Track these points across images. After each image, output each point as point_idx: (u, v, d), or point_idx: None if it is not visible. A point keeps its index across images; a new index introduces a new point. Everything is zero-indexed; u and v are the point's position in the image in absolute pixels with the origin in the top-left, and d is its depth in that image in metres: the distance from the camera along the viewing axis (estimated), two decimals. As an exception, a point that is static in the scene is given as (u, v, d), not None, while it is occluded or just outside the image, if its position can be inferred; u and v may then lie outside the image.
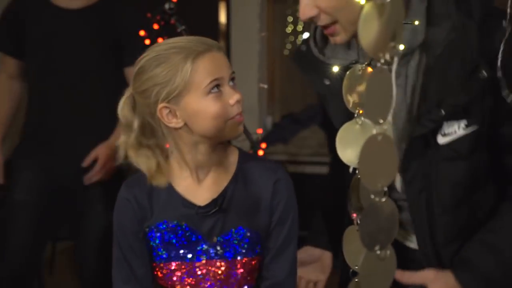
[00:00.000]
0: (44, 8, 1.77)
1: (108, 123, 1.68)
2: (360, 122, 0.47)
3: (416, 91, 0.96)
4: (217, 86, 0.98)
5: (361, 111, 0.49)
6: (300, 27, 4.37)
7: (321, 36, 1.04)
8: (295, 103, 4.30)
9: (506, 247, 0.98)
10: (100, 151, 1.75)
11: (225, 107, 0.97)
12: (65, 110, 1.77)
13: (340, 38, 0.91)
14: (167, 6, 1.54)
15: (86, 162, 1.75)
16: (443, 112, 0.90)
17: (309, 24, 1.04)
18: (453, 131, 0.93)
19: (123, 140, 1.05)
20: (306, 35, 1.24)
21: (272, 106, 4.51)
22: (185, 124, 0.99)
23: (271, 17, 4.32)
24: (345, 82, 0.48)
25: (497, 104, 0.93)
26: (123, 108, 1.05)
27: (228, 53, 4.22)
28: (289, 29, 4.41)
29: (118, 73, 1.80)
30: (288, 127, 3.91)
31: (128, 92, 1.05)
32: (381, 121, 0.42)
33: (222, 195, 1.04)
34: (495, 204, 1.03)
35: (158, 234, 1.06)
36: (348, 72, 0.47)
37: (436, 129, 0.94)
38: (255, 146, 1.52)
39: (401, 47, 0.42)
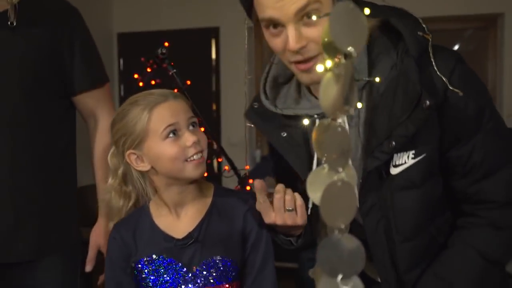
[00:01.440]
0: None
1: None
2: (326, 168, 0.55)
3: (367, 128, 1.03)
4: (174, 131, 1.10)
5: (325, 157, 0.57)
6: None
7: (271, 88, 1.13)
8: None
9: (455, 280, 1.02)
10: (101, 241, 1.51)
11: (181, 150, 1.10)
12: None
13: (317, 75, 0.98)
14: (159, 51, 1.63)
15: (91, 260, 1.50)
16: (393, 143, 0.97)
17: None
18: (404, 161, 1.00)
19: (110, 183, 1.19)
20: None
21: (261, 139, 4.59)
22: (152, 167, 1.11)
23: (259, 55, 4.44)
24: (313, 134, 0.56)
25: (442, 131, 1.00)
26: (112, 156, 1.18)
27: (217, 88, 4.34)
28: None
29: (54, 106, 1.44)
30: None
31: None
32: (340, 169, 0.50)
33: (198, 228, 1.15)
34: (453, 227, 1.09)
35: (144, 267, 1.15)
36: (315, 126, 0.55)
37: (388, 161, 1.01)
38: (243, 181, 1.60)
39: (352, 110, 0.50)
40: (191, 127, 1.13)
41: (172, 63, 1.59)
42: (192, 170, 1.11)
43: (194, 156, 1.11)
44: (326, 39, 0.48)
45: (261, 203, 1.06)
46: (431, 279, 1.04)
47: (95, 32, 1.58)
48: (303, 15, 0.94)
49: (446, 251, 1.05)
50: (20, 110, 1.36)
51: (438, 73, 0.97)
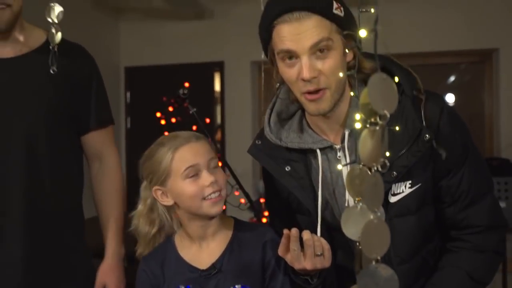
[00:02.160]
0: None
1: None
2: (359, 207, 0.65)
3: None
4: (194, 171, 1.20)
5: (359, 199, 0.68)
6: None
7: (275, 123, 1.24)
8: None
9: None
10: (108, 279, 1.54)
11: (200, 189, 1.22)
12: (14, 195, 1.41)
13: (325, 105, 1.12)
14: (181, 91, 1.74)
15: None
16: (395, 173, 1.10)
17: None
18: (401, 190, 1.13)
19: (139, 210, 1.29)
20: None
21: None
22: (175, 203, 1.22)
23: (261, 86, 4.58)
24: (346, 178, 0.67)
25: (436, 163, 1.13)
26: (143, 188, 1.29)
27: (222, 120, 4.45)
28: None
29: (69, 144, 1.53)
30: None
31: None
32: (376, 210, 0.60)
33: (220, 259, 1.24)
34: (441, 252, 1.21)
35: None
36: (348, 172, 0.66)
37: (388, 190, 1.13)
38: (259, 214, 1.69)
39: (384, 161, 0.60)
40: (211, 169, 1.23)
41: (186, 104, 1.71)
42: (209, 208, 1.22)
43: (212, 195, 1.22)
44: (365, 102, 0.59)
45: (294, 251, 1.12)
46: None
47: (103, 66, 1.67)
48: (316, 50, 1.08)
49: (437, 273, 1.18)
50: (41, 142, 1.46)
51: (432, 109, 1.11)
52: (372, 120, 0.59)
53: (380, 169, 0.58)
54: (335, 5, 1.08)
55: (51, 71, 1.42)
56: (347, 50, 1.12)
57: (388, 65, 1.16)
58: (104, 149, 1.62)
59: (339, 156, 1.19)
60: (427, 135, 1.08)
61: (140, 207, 1.33)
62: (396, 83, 1.11)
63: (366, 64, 1.10)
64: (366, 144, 0.60)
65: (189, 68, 4.46)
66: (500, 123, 3.96)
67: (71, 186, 1.55)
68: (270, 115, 1.27)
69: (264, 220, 1.77)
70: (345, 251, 1.24)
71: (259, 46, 4.51)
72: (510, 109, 3.91)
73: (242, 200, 1.92)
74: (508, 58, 3.88)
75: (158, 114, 1.76)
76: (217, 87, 4.58)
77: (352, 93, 1.17)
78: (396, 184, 1.12)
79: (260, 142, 1.27)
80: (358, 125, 0.61)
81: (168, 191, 1.25)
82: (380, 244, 0.61)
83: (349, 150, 1.16)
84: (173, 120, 1.65)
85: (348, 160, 1.17)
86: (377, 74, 0.58)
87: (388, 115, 0.58)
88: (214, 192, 1.21)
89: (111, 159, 1.62)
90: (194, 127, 1.77)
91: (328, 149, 1.21)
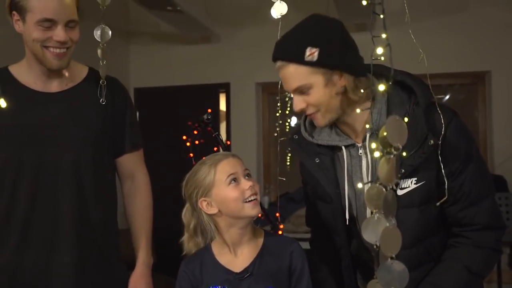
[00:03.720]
0: (15, 89, 1.58)
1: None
2: (376, 217, 0.84)
3: None
4: (234, 179, 1.41)
5: (376, 211, 0.86)
6: (287, 112, 4.85)
7: (310, 124, 1.49)
8: (290, 183, 4.64)
9: (447, 286, 1.35)
10: (139, 285, 1.70)
11: (241, 192, 1.41)
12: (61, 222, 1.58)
13: (319, 122, 1.41)
14: (205, 116, 1.93)
15: None
16: (403, 171, 1.31)
17: (297, 113, 1.45)
18: (408, 185, 1.36)
19: (186, 237, 1.53)
20: (294, 119, 1.62)
21: (269, 186, 4.84)
22: (219, 210, 1.41)
23: (266, 105, 4.78)
24: (366, 194, 0.85)
25: (440, 165, 1.34)
26: (185, 213, 1.50)
27: (228, 138, 4.64)
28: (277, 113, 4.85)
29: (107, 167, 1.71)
30: (285, 206, 4.15)
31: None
32: (391, 218, 0.79)
33: (252, 264, 1.43)
34: (445, 246, 1.41)
35: None
36: (368, 188, 0.85)
37: (397, 185, 1.34)
38: (275, 227, 1.87)
39: (399, 182, 0.79)
40: (246, 177, 1.43)
41: (216, 127, 1.90)
42: (250, 210, 1.42)
43: (251, 197, 1.41)
44: (383, 136, 0.78)
45: None
46: (428, 286, 1.35)
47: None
48: (298, 91, 1.36)
49: (439, 264, 1.38)
50: (88, 165, 1.64)
51: (440, 119, 1.32)
52: (388, 150, 0.78)
53: (394, 187, 0.77)
54: (307, 52, 1.31)
55: (101, 102, 1.61)
56: (338, 77, 1.34)
57: (406, 79, 1.38)
58: (135, 170, 1.81)
59: (360, 153, 1.43)
60: (431, 141, 1.30)
61: (186, 235, 1.53)
62: (411, 93, 1.36)
63: (363, 85, 1.35)
64: (383, 168, 0.79)
65: (196, 89, 4.65)
66: (493, 141, 4.16)
67: (110, 203, 1.74)
68: (305, 118, 1.50)
69: (280, 232, 1.94)
70: (359, 240, 1.47)
71: (263, 68, 4.80)
72: (502, 128, 4.11)
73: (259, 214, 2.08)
74: (500, 79, 4.10)
75: (184, 137, 1.95)
76: (223, 106, 4.78)
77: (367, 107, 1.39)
78: (404, 180, 1.33)
79: (297, 137, 1.53)
80: (377, 154, 0.80)
81: (212, 200, 1.44)
82: (394, 245, 0.80)
83: (369, 149, 1.41)
84: (196, 142, 1.84)
85: (369, 156, 1.41)
86: (392, 116, 0.77)
87: (401, 147, 0.77)
88: (252, 195, 1.41)
89: (141, 178, 1.80)
90: (215, 148, 1.96)
91: (351, 146, 1.45)
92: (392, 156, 0.78)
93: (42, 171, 1.58)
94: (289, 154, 4.61)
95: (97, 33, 1.49)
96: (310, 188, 1.57)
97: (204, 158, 1.49)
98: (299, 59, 1.31)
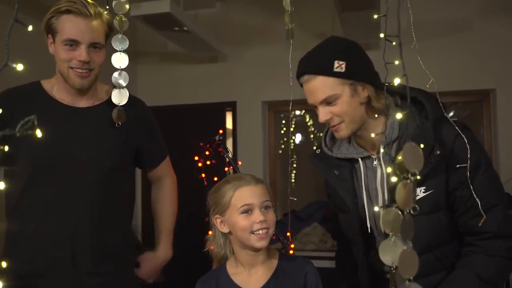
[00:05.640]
0: (48, 104, 1.68)
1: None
2: (393, 240, 0.86)
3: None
4: (247, 210, 1.42)
5: (392, 233, 0.88)
6: (291, 129, 4.89)
7: (330, 139, 1.55)
8: (296, 201, 4.65)
9: None
10: (145, 263, 1.87)
11: (250, 224, 1.44)
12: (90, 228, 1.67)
13: (343, 133, 1.48)
14: (217, 137, 1.97)
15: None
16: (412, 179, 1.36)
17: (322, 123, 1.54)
18: (416, 194, 1.39)
19: (211, 235, 1.58)
20: (298, 136, 1.72)
21: (275, 204, 4.83)
22: (230, 231, 1.43)
23: (272, 123, 4.82)
24: (382, 217, 0.88)
25: (448, 174, 1.38)
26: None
27: (234, 155, 4.66)
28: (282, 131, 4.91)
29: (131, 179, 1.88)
30: (291, 224, 4.15)
31: None
32: (408, 241, 0.82)
33: (267, 284, 1.44)
34: (459, 255, 1.45)
35: None
36: (383, 214, 0.87)
37: (414, 209, 1.38)
38: (287, 246, 1.89)
39: (417, 207, 0.82)
40: (263, 209, 1.45)
41: (227, 148, 1.94)
42: (255, 241, 1.44)
43: (260, 231, 1.43)
44: (399, 162, 0.81)
45: None
46: None
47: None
48: (325, 102, 1.44)
49: (453, 272, 1.42)
50: (111, 174, 1.73)
51: (448, 132, 1.41)
52: (405, 175, 0.81)
53: (412, 212, 0.80)
54: (336, 64, 1.39)
55: (116, 125, 1.68)
56: (361, 88, 1.43)
57: (417, 95, 1.46)
58: (164, 176, 1.97)
59: (375, 164, 1.52)
60: (438, 151, 1.36)
61: (211, 233, 1.59)
62: (422, 108, 1.44)
63: (381, 100, 1.43)
64: (400, 193, 0.82)
65: (203, 108, 4.70)
66: (499, 159, 4.17)
67: (127, 208, 1.84)
68: (326, 134, 1.62)
69: (291, 252, 1.96)
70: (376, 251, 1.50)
71: (269, 87, 4.86)
72: (508, 145, 4.12)
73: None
74: (505, 97, 4.13)
75: (196, 158, 1.99)
76: (229, 125, 4.82)
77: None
78: None
79: (319, 152, 1.64)
80: (394, 179, 0.83)
81: (225, 220, 1.49)
82: (411, 267, 0.82)
83: (383, 160, 1.47)
84: (208, 162, 1.88)
85: (383, 166, 1.49)
86: (409, 143, 0.80)
87: (417, 173, 0.80)
88: (262, 229, 1.43)
89: (169, 179, 1.99)
90: (226, 169, 1.99)
91: (367, 158, 1.53)
92: (408, 181, 0.81)
93: (63, 183, 1.65)
94: (294, 172, 4.64)
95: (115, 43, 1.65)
96: (331, 200, 1.65)
97: (231, 176, 1.53)
98: (328, 71, 1.40)
